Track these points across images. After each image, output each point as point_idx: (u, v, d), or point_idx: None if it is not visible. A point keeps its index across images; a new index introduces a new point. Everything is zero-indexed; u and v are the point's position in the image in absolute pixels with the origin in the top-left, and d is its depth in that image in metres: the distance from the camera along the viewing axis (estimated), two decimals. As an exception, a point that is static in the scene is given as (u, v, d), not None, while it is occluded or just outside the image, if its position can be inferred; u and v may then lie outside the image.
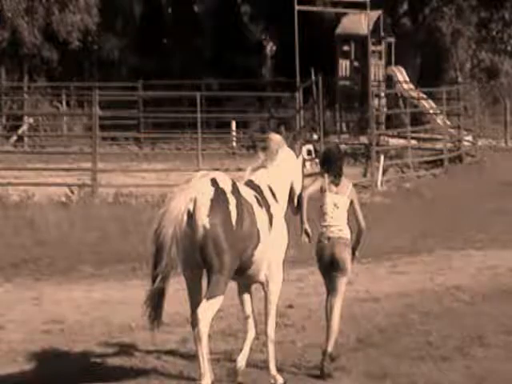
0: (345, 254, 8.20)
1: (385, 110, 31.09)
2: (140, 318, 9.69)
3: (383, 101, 31.76)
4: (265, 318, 7.81)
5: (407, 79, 32.86)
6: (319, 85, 26.18)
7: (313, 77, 28.20)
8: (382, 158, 23.43)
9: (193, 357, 7.71)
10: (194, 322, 7.20)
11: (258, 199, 7.75)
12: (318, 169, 23.19)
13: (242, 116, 32.58)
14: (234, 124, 31.31)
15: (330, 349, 8.01)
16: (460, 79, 36.98)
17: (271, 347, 7.73)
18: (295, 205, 8.37)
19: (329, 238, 8.24)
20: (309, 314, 10.09)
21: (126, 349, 8.81)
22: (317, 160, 26.93)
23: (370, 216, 18.52)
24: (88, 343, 9.01)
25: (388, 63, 33.25)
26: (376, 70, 32.07)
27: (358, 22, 31.40)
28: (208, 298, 7.20)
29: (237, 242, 7.31)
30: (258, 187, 7.92)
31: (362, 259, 13.80)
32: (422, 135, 29.29)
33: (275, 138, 8.34)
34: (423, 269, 13.03)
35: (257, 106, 34.95)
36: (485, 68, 39.79)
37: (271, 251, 7.76)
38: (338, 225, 8.27)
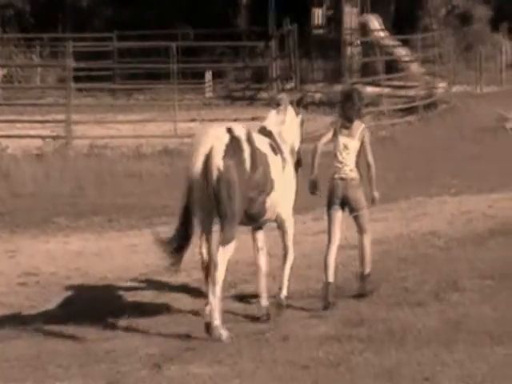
0: (357, 195, 8.75)
1: (359, 58, 30.95)
2: (116, 269, 9.75)
3: (357, 49, 31.61)
4: (284, 251, 8.39)
5: (382, 27, 32.70)
6: (294, 34, 26.03)
7: (287, 26, 28.03)
8: (358, 106, 23.37)
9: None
10: (213, 266, 7.58)
11: (272, 147, 8.16)
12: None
13: (217, 66, 32.39)
14: (209, 74, 31.12)
15: (367, 270, 8.78)
16: (434, 26, 36.87)
17: (286, 275, 8.36)
18: (294, 161, 8.70)
19: (342, 179, 8.71)
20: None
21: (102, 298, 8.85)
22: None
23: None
24: (64, 294, 9.03)
25: (362, 11, 33.05)
26: (350, 18, 31.87)
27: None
28: (223, 245, 7.59)
29: (249, 188, 7.71)
30: (271, 133, 8.36)
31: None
32: (396, 83, 29.23)
33: (282, 96, 8.99)
34: (399, 215, 13.12)
35: (232, 55, 34.74)
36: (458, 14, 39.66)
37: (284, 196, 8.23)
38: (348, 166, 8.73)
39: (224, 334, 7.45)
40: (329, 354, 6.76)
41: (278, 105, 8.69)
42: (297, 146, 8.85)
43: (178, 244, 7.67)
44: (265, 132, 8.38)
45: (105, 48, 31.92)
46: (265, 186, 7.92)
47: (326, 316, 7.97)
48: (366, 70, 30.36)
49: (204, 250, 7.79)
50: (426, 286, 8.74)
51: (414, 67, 28.92)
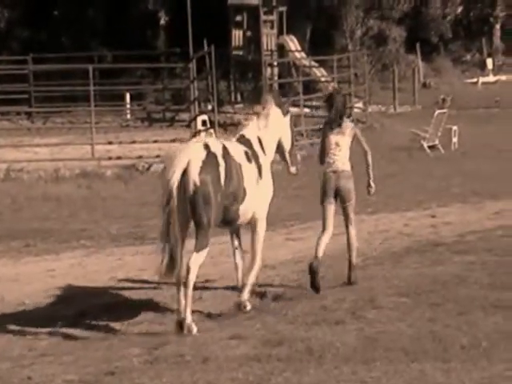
0: (349, 184, 9.67)
1: (277, 78, 31.22)
2: (33, 294, 9.62)
3: (276, 70, 31.88)
4: (252, 253, 9.14)
5: (299, 48, 33.07)
6: (212, 55, 26.11)
7: (206, 47, 28.12)
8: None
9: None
10: (185, 270, 8.24)
11: (247, 155, 8.90)
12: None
13: (136, 88, 32.25)
14: (128, 96, 30.98)
15: (354, 260, 9.77)
16: (350, 47, 37.44)
17: (252, 276, 9.08)
18: (288, 162, 9.62)
19: (334, 172, 9.63)
20: (206, 285, 10.14)
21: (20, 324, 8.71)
22: (212, 130, 26.87)
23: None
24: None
25: (280, 32, 33.38)
26: (268, 39, 32.15)
27: (250, -9, 31.40)
28: (197, 251, 8.34)
29: (223, 199, 8.43)
30: (248, 141, 9.09)
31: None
32: (314, 103, 29.57)
33: (267, 97, 9.57)
34: (316, 234, 13.22)
35: (151, 77, 34.65)
36: (374, 35, 40.36)
37: (259, 197, 8.98)
38: (340, 160, 9.65)
39: (195, 329, 8.23)
40: (249, 375, 6.79)
41: (263, 108, 9.31)
42: (287, 144, 9.55)
43: (170, 256, 8.22)
44: (243, 140, 9.09)
45: (21, 71, 31.48)
46: (238, 195, 8.66)
47: (247, 337, 7.99)
48: (285, 91, 30.64)
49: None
50: (345, 304, 8.82)
51: (331, 87, 29.26)
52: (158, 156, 20.62)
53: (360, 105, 29.53)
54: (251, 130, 9.24)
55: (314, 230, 13.45)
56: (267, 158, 9.24)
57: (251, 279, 9.15)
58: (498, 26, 47.56)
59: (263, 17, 30.59)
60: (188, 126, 22.85)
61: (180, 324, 8.34)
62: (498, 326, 7.73)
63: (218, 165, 8.40)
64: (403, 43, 41.20)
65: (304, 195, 16.97)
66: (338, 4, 38.54)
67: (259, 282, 9.69)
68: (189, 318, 8.29)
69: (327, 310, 8.64)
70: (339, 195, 9.68)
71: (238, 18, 32.99)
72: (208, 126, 24.59)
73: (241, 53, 32.97)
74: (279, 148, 9.51)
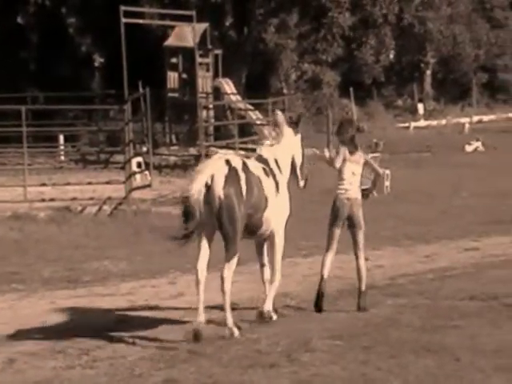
0: (360, 212, 10.31)
1: (213, 121, 31.37)
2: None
3: (211, 112, 32.05)
4: (272, 266, 9.91)
5: (234, 91, 33.31)
6: (147, 97, 26.15)
7: (141, 89, 28.15)
8: (212, 169, 23.63)
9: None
10: (221, 280, 9.20)
11: (265, 170, 9.66)
12: (148, 180, 22.98)
13: (70, 129, 32.06)
14: (61, 138, 30.77)
15: (363, 287, 10.37)
16: (285, 90, 37.86)
17: (274, 288, 9.91)
18: (299, 177, 10.32)
19: (348, 199, 10.27)
20: (139, 328, 10.06)
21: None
22: (147, 172, 26.81)
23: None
24: None
25: (216, 75, 33.61)
26: (204, 81, 32.31)
27: (185, 35, 31.55)
28: (228, 260, 9.18)
29: (246, 210, 9.17)
30: (266, 160, 9.83)
31: (193, 270, 13.97)
32: (249, 146, 29.74)
33: (281, 118, 10.21)
34: (251, 278, 13.25)
35: (85, 118, 34.50)
36: (308, 79, 40.89)
37: (277, 212, 9.72)
38: (354, 188, 10.32)
39: (236, 332, 9.22)
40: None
41: (276, 125, 10.09)
42: (299, 161, 10.22)
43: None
44: (261, 159, 9.85)
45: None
46: (260, 204, 9.43)
47: (181, 381, 7.93)
48: (220, 134, 30.81)
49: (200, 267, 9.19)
50: (279, 347, 8.83)
51: (266, 131, 29.50)
52: (92, 198, 20.48)
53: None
54: (268, 150, 10.00)
55: (247, 275, 13.50)
56: (284, 177, 9.99)
57: (272, 292, 9.95)
58: (428, 72, 48.63)
59: (199, 59, 30.75)
60: (122, 168, 22.74)
61: (196, 332, 9.10)
62: (428, 369, 7.82)
63: (239, 178, 9.17)
64: (337, 87, 41.84)
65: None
66: (273, 48, 39.01)
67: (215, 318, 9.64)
68: (230, 322, 9.28)
69: (262, 353, 8.64)
70: (351, 222, 10.33)
71: (174, 60, 33.14)
72: (143, 167, 24.56)
73: (176, 95, 33.07)
74: (292, 164, 10.21)
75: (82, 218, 19.40)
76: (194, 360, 8.60)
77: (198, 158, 25.29)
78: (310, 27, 40.34)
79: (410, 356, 8.21)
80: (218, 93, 32.99)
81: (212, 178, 9.03)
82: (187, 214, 9.08)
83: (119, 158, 26.25)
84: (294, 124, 10.28)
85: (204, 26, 32.40)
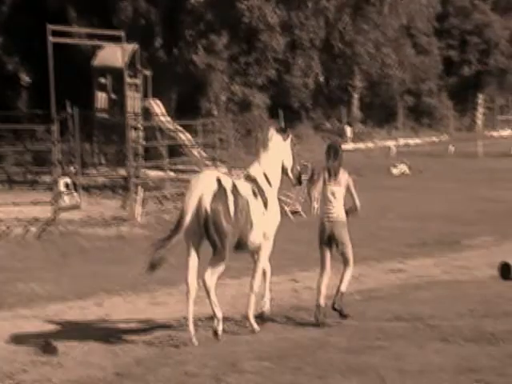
0: (343, 233, 10.67)
1: (143, 142, 31.27)
2: None
3: (141, 133, 31.94)
4: (252, 274, 10.65)
5: (164, 112, 33.26)
6: (75, 117, 25.96)
7: (69, 109, 27.93)
8: (141, 190, 23.57)
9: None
10: (203, 283, 9.83)
11: (254, 191, 10.33)
12: (76, 201, 22.72)
13: (-4, 149, 31.61)
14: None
15: (344, 289, 10.79)
16: (215, 112, 37.96)
17: (253, 298, 10.53)
18: (290, 177, 10.90)
19: (329, 220, 10.65)
20: (65, 350, 9.95)
21: None
22: (75, 193, 26.56)
23: (130, 248, 18.75)
24: None
25: (145, 96, 33.52)
26: (133, 102, 32.20)
27: (114, 55, 31.42)
28: (212, 266, 9.82)
29: (232, 228, 9.82)
30: (254, 179, 10.50)
31: (121, 292, 13.89)
32: (179, 167, 29.73)
33: (271, 130, 10.85)
34: (181, 299, 13.21)
35: (12, 138, 34.04)
36: (238, 101, 41.06)
37: (266, 226, 10.37)
38: (336, 210, 10.65)
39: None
40: None
41: (266, 140, 10.75)
42: (289, 164, 10.82)
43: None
44: (249, 178, 10.51)
45: None
46: (246, 228, 10.07)
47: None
48: (150, 155, 30.71)
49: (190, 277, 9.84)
50: (207, 368, 8.81)
51: (196, 152, 29.55)
52: (18, 219, 20.20)
53: (224, 169, 29.85)
54: (256, 168, 10.66)
55: (177, 295, 13.47)
56: (273, 189, 10.64)
57: (250, 310, 10.53)
58: (356, 96, 49.29)
59: (128, 80, 30.64)
60: (50, 189, 22.50)
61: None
62: (355, 390, 7.89)
63: (227, 198, 9.83)
64: (267, 109, 42.10)
65: (170, 260, 16.92)
66: (203, 69, 39.10)
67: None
68: (217, 323, 9.92)
69: (189, 375, 8.61)
70: (334, 242, 10.68)
71: (102, 81, 32.95)
72: (71, 188, 24.33)
73: (105, 115, 32.87)
74: (282, 168, 10.83)
75: (7, 240, 19.11)
76: (121, 382, 8.54)
77: (126, 179, 25.17)
78: (240, 49, 40.58)
79: (337, 376, 8.27)
80: (147, 114, 32.90)
81: (202, 191, 9.73)
82: (177, 223, 9.72)
83: (46, 178, 26.01)
84: (282, 131, 10.91)
85: (133, 46, 32.33)
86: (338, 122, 48.87)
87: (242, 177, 10.79)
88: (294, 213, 23.29)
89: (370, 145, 45.95)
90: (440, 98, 55.30)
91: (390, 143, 44.71)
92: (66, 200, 23.68)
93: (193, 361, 9.14)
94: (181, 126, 31.58)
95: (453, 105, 54.73)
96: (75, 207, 23.13)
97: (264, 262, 10.71)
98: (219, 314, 10.04)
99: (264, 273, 10.88)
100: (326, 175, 10.73)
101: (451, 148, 42.63)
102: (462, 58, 55.98)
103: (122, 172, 27.05)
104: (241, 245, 10.22)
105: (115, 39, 30.59)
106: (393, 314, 11.07)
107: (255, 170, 10.67)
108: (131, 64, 31.82)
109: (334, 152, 10.79)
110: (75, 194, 24.10)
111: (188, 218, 9.65)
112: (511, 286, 12.77)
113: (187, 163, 30.19)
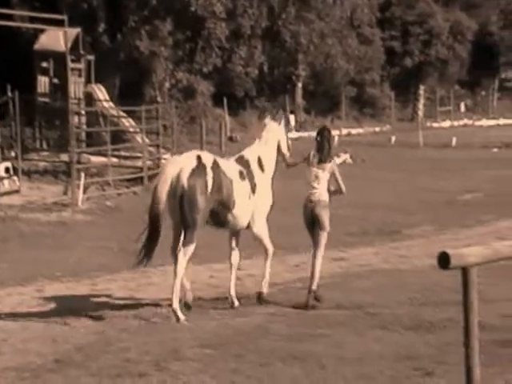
0: (323, 213, 10.86)
1: (85, 127, 30.97)
2: None
3: (83, 118, 31.63)
4: (263, 245, 11.15)
5: (107, 97, 32.99)
6: (16, 101, 25.61)
7: (9, 93, 27.54)
8: (83, 175, 23.38)
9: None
10: (174, 263, 10.24)
11: (241, 173, 10.62)
12: (16, 186, 22.58)
13: None
14: None
15: (314, 287, 10.92)
16: (159, 98, 37.74)
17: (268, 265, 11.18)
18: (287, 160, 11.34)
19: (311, 201, 10.89)
20: (4, 337, 9.85)
21: None
22: (15, 177, 26.31)
23: (71, 234, 18.61)
24: None
25: (88, 81, 33.19)
26: (76, 87, 31.84)
27: (57, 39, 31.01)
28: (184, 246, 10.14)
29: (207, 203, 10.08)
30: (247, 161, 10.79)
31: (62, 278, 13.78)
32: (122, 153, 29.51)
33: (267, 119, 11.31)
34: (123, 285, 13.18)
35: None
36: (182, 88, 40.89)
37: (255, 208, 10.75)
38: (318, 191, 10.87)
39: (181, 317, 10.29)
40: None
41: (263, 117, 11.46)
42: (284, 146, 11.23)
43: (149, 245, 10.25)
44: (241, 161, 10.80)
45: None
46: (227, 203, 10.36)
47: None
48: (93, 140, 30.42)
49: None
50: (148, 356, 8.79)
51: (139, 138, 29.37)
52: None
53: (168, 156, 29.72)
54: (251, 151, 10.98)
55: (120, 282, 13.43)
56: (266, 174, 10.98)
57: (267, 267, 11.08)
58: (299, 85, 49.43)
59: (70, 64, 30.30)
60: (-10, 173, 22.22)
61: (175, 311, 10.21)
62: (295, 377, 7.95)
63: (205, 173, 10.07)
64: (211, 97, 41.99)
65: (110, 246, 16.86)
66: (148, 56, 38.85)
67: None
68: (175, 304, 10.12)
69: (131, 362, 8.59)
70: (314, 219, 10.88)
71: (44, 65, 32.52)
72: (11, 173, 24.02)
73: (47, 100, 32.47)
74: (278, 148, 11.20)
75: None
76: (61, 369, 8.48)
77: (68, 165, 24.93)
78: (185, 36, 40.40)
79: (278, 364, 8.33)
80: (90, 99, 32.57)
81: (180, 169, 10.00)
82: (153, 201, 10.01)
83: (-13, 162, 25.57)
84: (276, 115, 11.56)
85: (76, 30, 31.95)
86: (282, 111, 49.00)
87: (232, 158, 11.07)
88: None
89: (314, 134, 46.15)
90: (382, 89, 55.74)
91: (333, 132, 44.96)
92: (6, 184, 23.39)
93: (134, 348, 9.12)
94: (124, 111, 31.34)
95: (395, 95, 55.22)
96: (15, 192, 22.85)
97: (268, 245, 11.17)
98: (176, 299, 10.26)
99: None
100: (313, 158, 10.97)
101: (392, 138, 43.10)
102: (404, 49, 56.44)
103: (64, 157, 26.77)
104: (220, 221, 10.52)
105: (58, 23, 30.22)
106: (334, 302, 11.18)
107: (250, 153, 10.96)
108: (74, 48, 31.44)
109: (323, 136, 11.14)
110: (15, 178, 23.80)
111: (163, 196, 9.92)
112: (450, 275, 12.97)
113: (130, 149, 29.98)
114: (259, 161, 10.93)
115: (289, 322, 10.11)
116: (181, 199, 9.98)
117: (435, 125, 54.73)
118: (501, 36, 62.25)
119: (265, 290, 11.16)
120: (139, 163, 27.64)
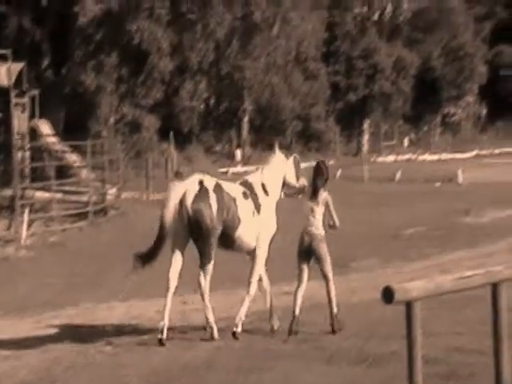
0: (320, 247, 11.05)
1: (29, 162, 30.72)
2: None
3: (27, 153, 31.37)
4: (249, 276, 11.13)
5: (52, 132, 32.78)
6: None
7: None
8: (27, 211, 23.16)
9: None
10: (198, 285, 10.65)
11: (245, 193, 10.98)
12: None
13: None
14: None
15: (335, 310, 11.11)
16: (104, 133, 37.63)
17: (247, 301, 11.07)
18: (295, 189, 11.60)
19: (308, 234, 11.04)
20: None
21: None
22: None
23: (14, 271, 18.38)
24: None
25: (32, 116, 32.97)
26: (20, 122, 31.62)
27: (0, 74, 30.82)
28: (203, 267, 10.58)
29: (216, 224, 10.49)
30: (250, 184, 11.17)
31: (4, 316, 13.59)
32: (67, 188, 29.31)
33: (276, 151, 11.63)
34: (68, 322, 13.03)
35: None
36: (128, 122, 40.82)
37: (259, 229, 11.00)
38: (314, 225, 11.05)
39: (215, 333, 10.76)
40: None
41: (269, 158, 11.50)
42: (293, 180, 11.54)
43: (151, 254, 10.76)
44: (245, 184, 11.17)
45: None
46: (233, 222, 10.70)
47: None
48: (37, 175, 30.17)
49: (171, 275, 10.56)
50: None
51: (85, 173, 29.21)
52: None
53: (113, 191, 29.62)
54: (255, 177, 11.33)
55: (63, 318, 13.27)
56: (271, 198, 11.26)
57: (243, 310, 11.03)
58: (246, 119, 49.66)
59: (14, 99, 30.12)
60: None
61: (160, 337, 10.45)
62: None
63: (209, 197, 10.49)
64: (156, 132, 41.97)
65: (54, 282, 16.69)
66: (92, 90, 38.76)
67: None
68: (211, 320, 10.64)
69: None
70: (313, 256, 11.04)
71: (-12, 100, 32.21)
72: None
73: (-9, 135, 32.13)
74: (284, 183, 11.54)
75: None
76: None
77: (12, 200, 24.67)
78: (129, 70, 40.41)
79: (226, 399, 8.29)
80: (34, 134, 32.34)
81: (184, 194, 10.44)
82: (161, 226, 10.46)
83: None
84: (286, 150, 11.82)
85: (20, 65, 31.78)
86: (227, 145, 49.14)
87: (237, 182, 11.35)
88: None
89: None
90: (327, 123, 56.21)
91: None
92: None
93: (80, 385, 9.03)
94: (69, 146, 31.18)
95: (340, 130, 55.72)
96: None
97: (260, 269, 11.20)
98: (211, 318, 10.67)
99: (264, 293, 11.44)
100: (308, 192, 11.25)
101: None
102: (348, 84, 57.07)
103: (8, 192, 26.48)
104: (227, 242, 10.77)
105: (1, 58, 30.07)
106: (282, 335, 11.18)
107: (254, 178, 11.32)
108: (18, 83, 31.26)
109: (318, 172, 11.30)
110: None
111: (168, 221, 10.37)
112: (395, 308, 13.07)
113: (75, 184, 29.79)
114: (263, 186, 11.25)
115: (236, 356, 10.08)
116: (189, 225, 10.40)
117: (379, 159, 55.28)
118: (443, 71, 63.25)
119: (239, 329, 11.10)
120: (84, 198, 27.46)
